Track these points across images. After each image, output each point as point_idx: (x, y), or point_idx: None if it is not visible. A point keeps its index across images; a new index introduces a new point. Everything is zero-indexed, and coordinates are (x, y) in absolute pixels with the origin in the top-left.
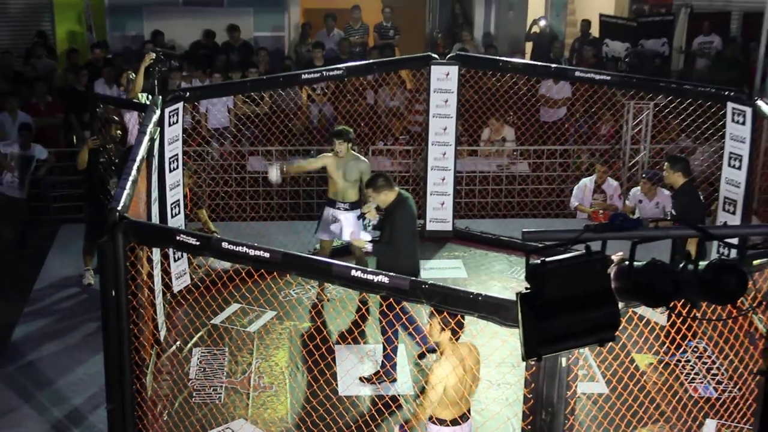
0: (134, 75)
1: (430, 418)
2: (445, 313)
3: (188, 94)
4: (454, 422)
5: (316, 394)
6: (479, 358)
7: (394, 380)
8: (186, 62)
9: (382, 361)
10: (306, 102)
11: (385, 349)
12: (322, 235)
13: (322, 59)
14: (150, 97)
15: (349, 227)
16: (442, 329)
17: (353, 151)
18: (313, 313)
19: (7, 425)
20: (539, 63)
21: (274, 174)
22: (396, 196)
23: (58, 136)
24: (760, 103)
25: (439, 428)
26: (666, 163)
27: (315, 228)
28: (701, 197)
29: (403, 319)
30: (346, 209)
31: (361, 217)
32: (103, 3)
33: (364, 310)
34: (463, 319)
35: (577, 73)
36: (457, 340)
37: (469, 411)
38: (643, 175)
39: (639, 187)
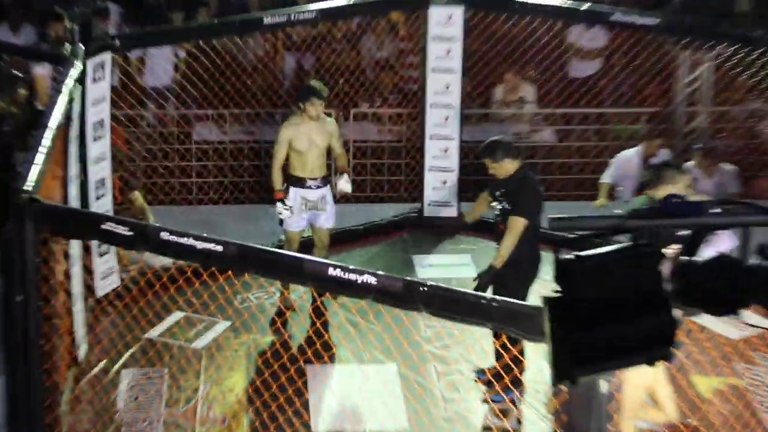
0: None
1: None
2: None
3: (118, 41)
4: None
5: (283, 430)
6: None
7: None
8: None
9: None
10: (271, 52)
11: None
12: (291, 226)
13: None
14: (69, 45)
15: (332, 210)
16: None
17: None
18: (278, 323)
19: None
20: (567, 3)
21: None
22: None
23: None
24: None
25: None
26: (486, 159)
27: (279, 218)
28: (539, 186)
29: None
30: (318, 186)
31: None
32: None
33: (344, 320)
34: None
35: (615, 16)
36: None
37: None
38: (698, 147)
39: (693, 162)
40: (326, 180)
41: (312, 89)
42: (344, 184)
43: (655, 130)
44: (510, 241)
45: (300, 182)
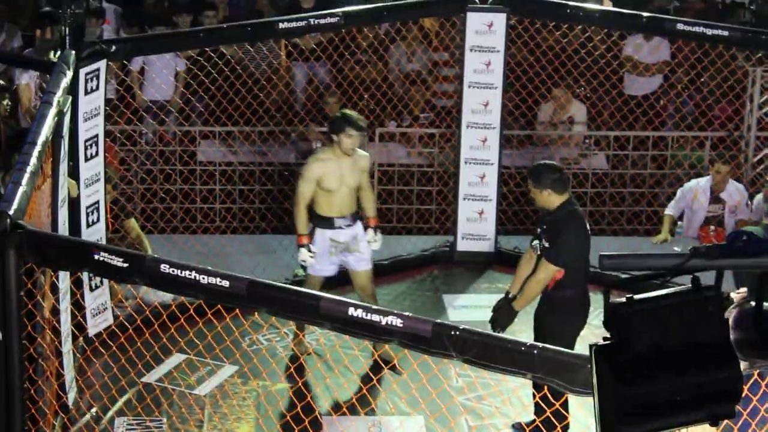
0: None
1: None
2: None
3: (114, 48)
4: None
5: None
6: None
7: None
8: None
9: None
10: (286, 62)
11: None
12: (317, 271)
13: (311, 1)
14: (58, 51)
15: (366, 249)
16: None
17: None
18: (291, 369)
19: None
20: (625, 11)
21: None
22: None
23: None
24: None
25: None
26: (529, 181)
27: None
28: (584, 225)
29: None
30: (348, 225)
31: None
32: None
33: (366, 367)
34: None
35: (679, 26)
36: None
37: None
38: None
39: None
40: (356, 216)
41: (348, 119)
42: (374, 245)
43: (723, 157)
44: (534, 287)
45: (327, 223)
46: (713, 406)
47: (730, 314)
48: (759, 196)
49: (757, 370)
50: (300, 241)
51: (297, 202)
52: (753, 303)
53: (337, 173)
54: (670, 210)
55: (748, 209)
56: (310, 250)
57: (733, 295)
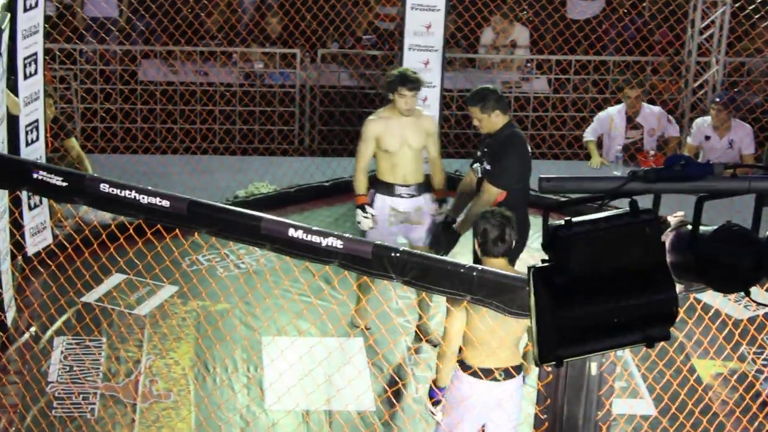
0: None
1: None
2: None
3: None
4: (487, 372)
5: (234, 407)
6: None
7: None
8: None
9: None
10: None
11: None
12: (375, 240)
13: None
14: None
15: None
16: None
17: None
18: (231, 289)
19: None
20: None
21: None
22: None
23: None
24: None
25: (466, 377)
26: (474, 107)
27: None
28: (525, 147)
29: None
30: (411, 195)
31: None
32: None
33: (306, 288)
34: None
35: None
36: None
37: (515, 369)
38: (714, 100)
39: (706, 118)
40: (422, 188)
41: (402, 77)
42: (437, 218)
43: (629, 83)
44: (476, 209)
45: (388, 189)
46: (649, 328)
47: (667, 237)
48: (699, 120)
49: (693, 293)
50: (357, 202)
51: (357, 161)
52: (689, 227)
53: (397, 133)
54: (589, 135)
55: (672, 125)
56: (365, 211)
57: (669, 218)
